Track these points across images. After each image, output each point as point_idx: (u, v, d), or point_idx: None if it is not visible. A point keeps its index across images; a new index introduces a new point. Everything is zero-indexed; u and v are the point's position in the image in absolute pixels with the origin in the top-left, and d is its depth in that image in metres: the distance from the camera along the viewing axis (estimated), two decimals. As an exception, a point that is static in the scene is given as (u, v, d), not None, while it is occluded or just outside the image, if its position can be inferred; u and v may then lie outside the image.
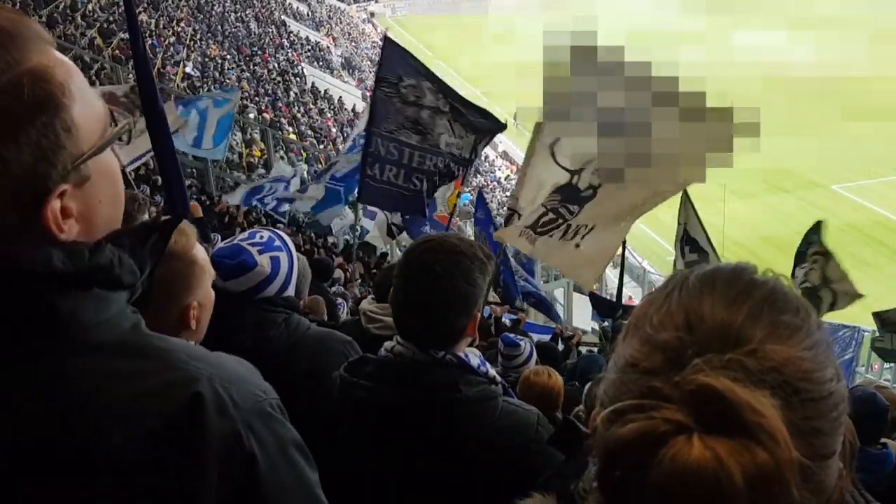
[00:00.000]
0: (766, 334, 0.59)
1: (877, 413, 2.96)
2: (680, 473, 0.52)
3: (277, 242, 1.89)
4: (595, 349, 8.21)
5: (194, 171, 14.15)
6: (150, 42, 18.40)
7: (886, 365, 10.85)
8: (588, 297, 10.37)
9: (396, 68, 6.25)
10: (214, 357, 0.83)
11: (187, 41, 24.52)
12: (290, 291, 1.90)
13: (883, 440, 3.05)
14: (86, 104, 0.76)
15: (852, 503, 0.75)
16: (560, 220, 4.99)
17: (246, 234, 1.91)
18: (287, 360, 1.71)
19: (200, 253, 1.42)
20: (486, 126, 6.42)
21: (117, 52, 16.51)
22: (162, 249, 0.85)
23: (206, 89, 19.44)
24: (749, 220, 20.86)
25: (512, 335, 4.73)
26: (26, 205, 0.72)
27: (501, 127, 6.46)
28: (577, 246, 4.93)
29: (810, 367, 0.58)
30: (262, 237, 1.87)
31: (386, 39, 6.79)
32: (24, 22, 0.74)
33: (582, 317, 12.49)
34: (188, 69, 20.89)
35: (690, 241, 6.27)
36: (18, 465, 0.71)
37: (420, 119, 6.24)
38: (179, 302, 1.37)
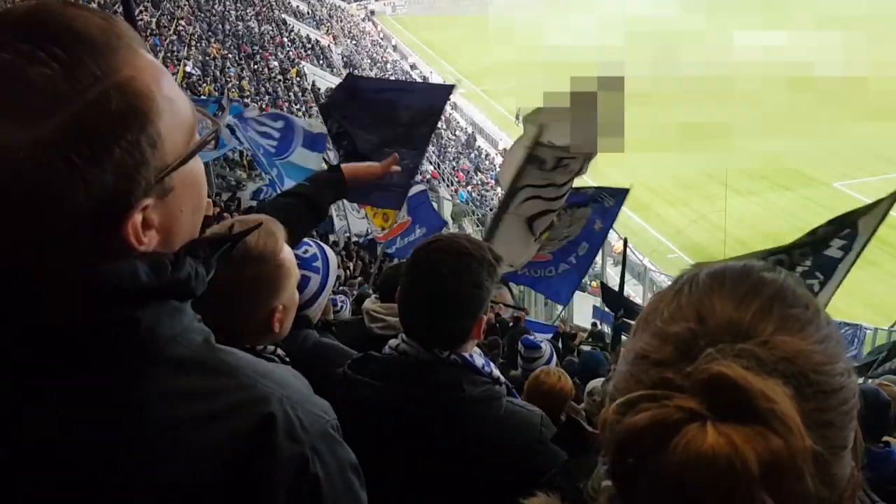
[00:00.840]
0: (776, 327, 0.59)
1: (879, 410, 2.95)
2: (694, 460, 0.51)
3: (317, 263, 1.85)
4: (598, 347, 8.22)
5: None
6: (150, 41, 18.41)
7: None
8: (601, 289, 10.36)
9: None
10: (279, 374, 0.83)
11: (188, 40, 24.52)
12: (312, 312, 1.85)
13: (885, 438, 3.04)
14: (174, 114, 0.72)
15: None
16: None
17: None
18: None
19: (288, 255, 1.39)
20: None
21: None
22: (228, 256, 0.84)
23: (206, 88, 19.44)
24: (751, 217, 20.85)
25: (532, 337, 4.74)
26: (106, 221, 0.69)
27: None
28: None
29: (822, 359, 0.59)
30: (305, 251, 1.83)
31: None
32: (113, 28, 0.70)
33: (582, 315, 12.52)
34: (188, 68, 20.89)
35: (848, 239, 5.50)
36: (86, 480, 0.70)
37: None
38: (267, 305, 1.35)
